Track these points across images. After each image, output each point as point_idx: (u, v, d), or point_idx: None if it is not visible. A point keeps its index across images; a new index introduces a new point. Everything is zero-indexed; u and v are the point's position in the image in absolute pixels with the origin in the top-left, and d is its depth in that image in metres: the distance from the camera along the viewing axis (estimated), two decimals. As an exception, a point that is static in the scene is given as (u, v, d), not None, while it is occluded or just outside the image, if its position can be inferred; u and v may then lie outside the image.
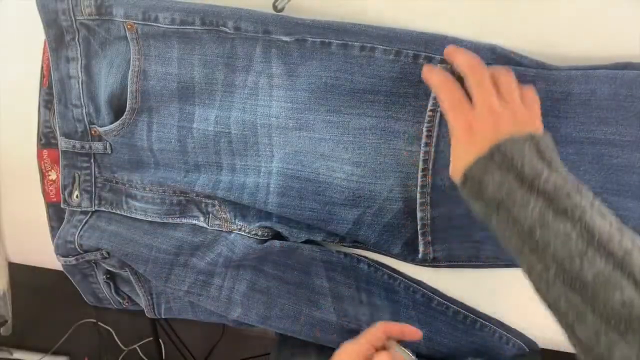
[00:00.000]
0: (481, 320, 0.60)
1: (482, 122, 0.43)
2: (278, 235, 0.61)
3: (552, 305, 0.38)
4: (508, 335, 0.60)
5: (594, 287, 0.35)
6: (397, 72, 0.51)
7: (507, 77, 0.45)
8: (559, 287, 0.37)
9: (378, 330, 0.49)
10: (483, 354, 0.61)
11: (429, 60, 0.50)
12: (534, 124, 0.44)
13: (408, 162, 0.55)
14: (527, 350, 0.60)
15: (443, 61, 0.50)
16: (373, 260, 0.61)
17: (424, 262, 0.58)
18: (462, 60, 0.46)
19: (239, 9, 0.52)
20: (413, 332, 0.51)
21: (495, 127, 0.42)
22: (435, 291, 0.61)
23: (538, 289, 0.39)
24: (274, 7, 0.53)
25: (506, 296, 0.60)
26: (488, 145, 0.41)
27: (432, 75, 0.47)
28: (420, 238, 0.56)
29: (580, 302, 0.35)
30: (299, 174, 0.57)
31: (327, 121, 0.55)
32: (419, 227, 0.55)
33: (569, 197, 0.38)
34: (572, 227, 0.37)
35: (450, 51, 0.48)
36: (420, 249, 0.56)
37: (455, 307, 0.60)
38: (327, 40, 0.52)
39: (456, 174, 0.44)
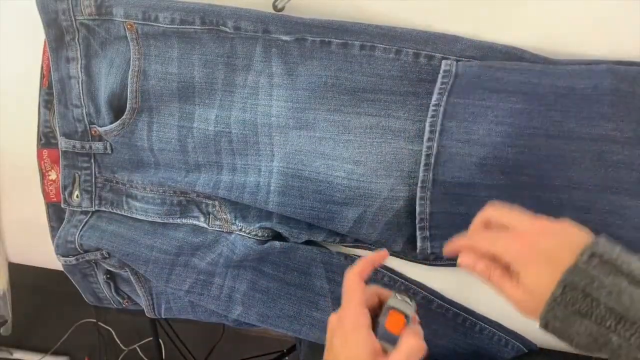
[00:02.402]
0: (481, 322, 0.60)
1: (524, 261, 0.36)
2: (278, 236, 0.61)
3: None
4: (507, 337, 0.60)
5: None
6: (398, 71, 0.51)
7: (495, 210, 0.40)
8: None
9: (354, 283, 0.43)
10: (482, 356, 0.61)
11: (430, 58, 0.50)
12: (570, 229, 0.37)
13: (409, 161, 0.54)
14: (526, 351, 0.60)
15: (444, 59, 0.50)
16: None
17: (425, 261, 0.58)
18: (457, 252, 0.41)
19: (239, 8, 0.52)
20: (382, 255, 0.46)
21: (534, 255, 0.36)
22: (435, 293, 0.61)
23: None
24: (274, 6, 0.52)
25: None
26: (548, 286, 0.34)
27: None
28: (418, 233, 0.56)
29: None
30: (299, 173, 0.57)
31: (327, 120, 0.55)
32: (417, 221, 0.55)
33: None
34: None
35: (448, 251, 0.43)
36: (418, 244, 0.56)
37: (454, 309, 0.60)
38: (327, 40, 0.52)
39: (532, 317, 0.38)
